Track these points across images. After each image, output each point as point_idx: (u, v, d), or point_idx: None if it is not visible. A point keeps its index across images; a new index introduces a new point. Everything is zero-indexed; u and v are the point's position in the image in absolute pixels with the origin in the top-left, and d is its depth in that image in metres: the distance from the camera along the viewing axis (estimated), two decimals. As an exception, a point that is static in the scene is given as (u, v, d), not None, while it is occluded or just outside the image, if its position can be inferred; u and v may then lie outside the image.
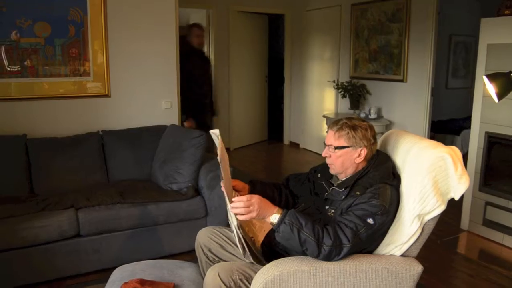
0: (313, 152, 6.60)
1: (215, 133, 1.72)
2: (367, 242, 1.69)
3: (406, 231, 1.70)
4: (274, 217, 1.62)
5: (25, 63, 3.31)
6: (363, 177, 1.77)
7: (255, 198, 1.63)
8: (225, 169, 1.73)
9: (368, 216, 1.63)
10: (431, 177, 1.68)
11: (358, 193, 1.71)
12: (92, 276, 2.80)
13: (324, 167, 1.97)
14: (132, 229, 2.90)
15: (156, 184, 3.26)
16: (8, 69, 3.26)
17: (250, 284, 1.71)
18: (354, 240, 1.60)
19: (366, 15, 5.57)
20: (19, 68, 3.30)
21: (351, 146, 1.79)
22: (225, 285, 1.69)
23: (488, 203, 3.47)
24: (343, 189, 1.77)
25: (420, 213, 1.69)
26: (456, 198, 1.72)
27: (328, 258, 1.60)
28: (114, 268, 2.14)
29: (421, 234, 1.72)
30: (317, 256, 1.61)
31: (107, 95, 3.65)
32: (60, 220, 2.67)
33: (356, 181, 1.76)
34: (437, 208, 1.69)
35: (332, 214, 1.77)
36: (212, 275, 1.72)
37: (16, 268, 2.60)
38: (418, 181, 1.70)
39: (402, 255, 1.74)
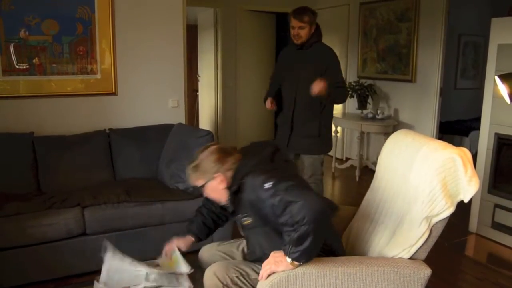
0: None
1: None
2: (302, 188, 1.62)
3: (414, 233, 1.69)
4: (291, 267, 1.61)
5: (33, 61, 3.32)
6: (241, 192, 1.75)
7: (266, 262, 1.66)
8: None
9: (277, 191, 1.59)
10: (440, 178, 1.66)
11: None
12: (98, 274, 2.80)
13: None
14: (138, 228, 2.90)
15: (163, 183, 3.26)
16: (17, 66, 3.28)
17: (246, 280, 1.77)
18: (294, 193, 1.56)
19: (374, 14, 5.53)
20: (27, 66, 3.31)
21: (208, 180, 1.80)
22: (222, 283, 1.74)
23: (497, 206, 3.43)
24: (232, 204, 1.81)
25: (429, 215, 1.67)
26: (466, 201, 1.70)
27: (313, 215, 1.53)
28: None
29: (429, 236, 1.70)
30: (310, 221, 1.52)
31: (114, 94, 3.66)
32: (66, 218, 2.68)
33: (237, 195, 1.77)
34: (446, 210, 1.67)
35: (249, 222, 1.79)
36: (209, 275, 1.78)
37: (23, 266, 2.61)
38: (427, 182, 1.68)
39: (410, 258, 1.72)
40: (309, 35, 3.14)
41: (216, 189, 1.81)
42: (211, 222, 2.13)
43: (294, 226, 1.53)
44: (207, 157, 1.81)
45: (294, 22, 3.12)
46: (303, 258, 1.58)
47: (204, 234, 2.14)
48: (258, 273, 1.79)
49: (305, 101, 3.15)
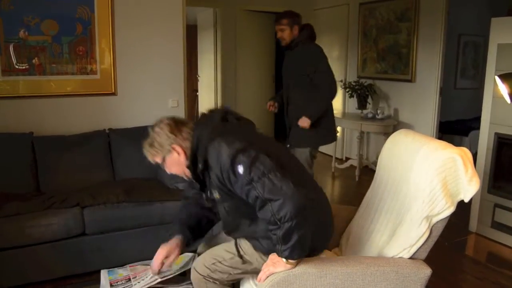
0: (319, 151, 6.55)
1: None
2: (282, 177, 1.54)
3: (414, 232, 1.68)
4: (289, 266, 1.60)
5: (33, 61, 3.32)
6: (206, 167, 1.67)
7: (265, 265, 1.66)
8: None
9: (248, 176, 1.53)
10: (440, 178, 1.65)
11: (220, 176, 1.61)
12: (97, 275, 2.79)
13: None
14: (138, 228, 2.90)
15: (162, 183, 3.26)
16: (17, 66, 3.27)
17: (224, 264, 1.78)
18: (273, 189, 1.51)
19: (374, 14, 5.53)
20: (27, 66, 3.31)
21: (166, 154, 1.73)
22: (202, 275, 1.78)
23: (497, 205, 3.43)
24: (195, 178, 1.73)
25: (429, 214, 1.67)
26: (466, 200, 1.69)
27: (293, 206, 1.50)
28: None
29: (429, 236, 1.69)
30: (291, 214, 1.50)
31: (114, 94, 3.65)
32: (66, 219, 2.68)
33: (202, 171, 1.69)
34: (446, 210, 1.67)
35: (218, 196, 1.72)
36: (193, 273, 1.83)
37: (22, 266, 2.60)
38: (428, 182, 1.67)
39: (410, 258, 1.71)
40: (292, 36, 3.33)
41: (177, 162, 1.73)
42: (199, 210, 2.00)
43: (277, 224, 1.52)
44: (161, 130, 1.73)
45: (276, 27, 3.37)
46: (295, 254, 1.56)
47: (193, 222, 1.97)
48: (230, 253, 1.81)
49: (292, 97, 3.42)
